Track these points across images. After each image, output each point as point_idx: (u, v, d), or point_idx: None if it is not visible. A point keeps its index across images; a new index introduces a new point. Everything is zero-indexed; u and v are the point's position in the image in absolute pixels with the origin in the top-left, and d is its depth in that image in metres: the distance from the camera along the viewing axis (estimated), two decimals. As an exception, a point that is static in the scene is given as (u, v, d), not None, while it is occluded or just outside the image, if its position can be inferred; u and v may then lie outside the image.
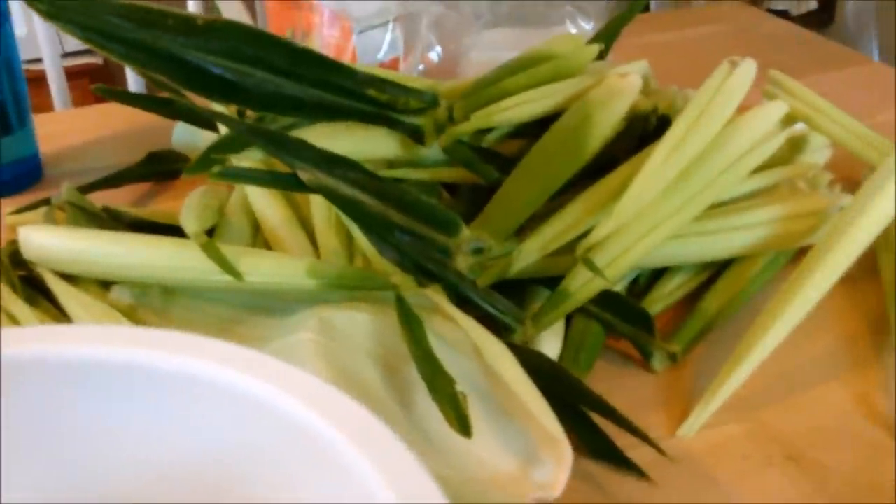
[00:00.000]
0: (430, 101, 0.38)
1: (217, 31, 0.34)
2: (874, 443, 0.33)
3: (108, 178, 0.51)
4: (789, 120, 0.43)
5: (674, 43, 0.74)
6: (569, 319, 0.37)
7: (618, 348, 0.38)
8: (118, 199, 0.50)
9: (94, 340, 0.25)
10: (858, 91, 0.61)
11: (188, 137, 0.54)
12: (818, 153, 0.46)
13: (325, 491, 0.21)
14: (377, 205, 0.32)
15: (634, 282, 0.40)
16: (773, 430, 0.33)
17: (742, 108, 0.42)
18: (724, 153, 0.39)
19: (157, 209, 0.50)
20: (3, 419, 0.24)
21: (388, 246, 0.33)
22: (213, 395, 0.23)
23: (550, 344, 0.35)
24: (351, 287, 0.32)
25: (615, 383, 0.36)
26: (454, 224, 0.33)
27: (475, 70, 0.57)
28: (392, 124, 0.38)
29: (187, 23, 0.33)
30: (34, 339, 0.25)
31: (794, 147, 0.45)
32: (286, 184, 0.33)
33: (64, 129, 0.61)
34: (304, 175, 0.32)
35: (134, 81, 0.94)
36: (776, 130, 0.42)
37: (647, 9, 1.17)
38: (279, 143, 0.33)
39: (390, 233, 0.32)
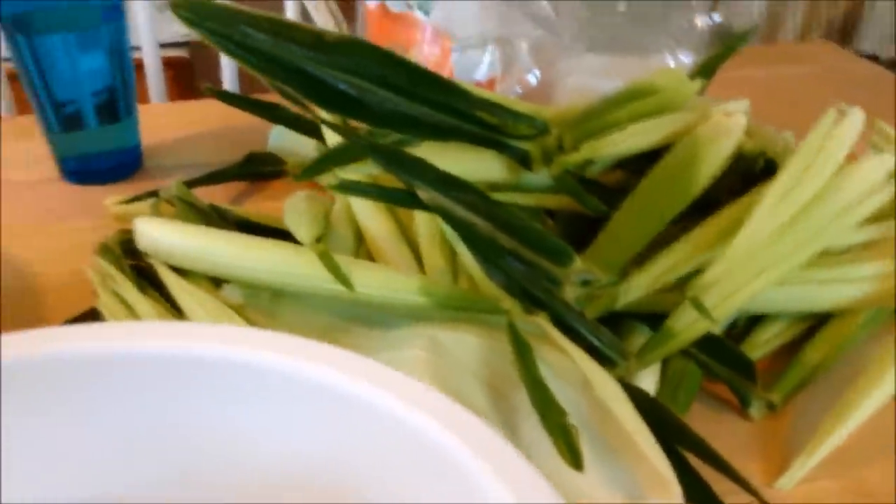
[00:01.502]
0: (540, 128, 0.39)
1: (344, 48, 0.35)
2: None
3: (211, 175, 0.52)
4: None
5: (762, 80, 0.74)
6: (665, 359, 0.37)
7: (712, 391, 0.37)
8: (215, 195, 0.51)
9: (220, 340, 0.26)
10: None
11: (285, 141, 0.56)
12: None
13: (443, 496, 0.21)
14: (489, 228, 0.33)
15: (732, 326, 0.40)
16: (870, 489, 0.33)
17: (848, 158, 0.42)
18: (832, 203, 0.39)
19: (255, 209, 0.51)
20: (125, 414, 0.24)
21: (497, 270, 0.33)
22: (334, 400, 0.24)
23: (647, 381, 0.35)
24: (461, 308, 0.33)
25: (710, 427, 0.35)
26: (566, 253, 0.33)
27: (570, 95, 0.58)
28: (501, 148, 0.39)
29: (318, 38, 0.34)
30: (158, 336, 0.25)
31: (902, 200, 0.44)
32: (403, 200, 0.34)
33: (162, 122, 0.63)
34: (422, 194, 0.32)
35: (229, 78, 0.96)
36: (884, 183, 0.42)
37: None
38: (398, 161, 0.34)
39: (501, 257, 0.33)
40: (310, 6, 0.64)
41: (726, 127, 0.43)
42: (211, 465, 0.26)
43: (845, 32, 1.17)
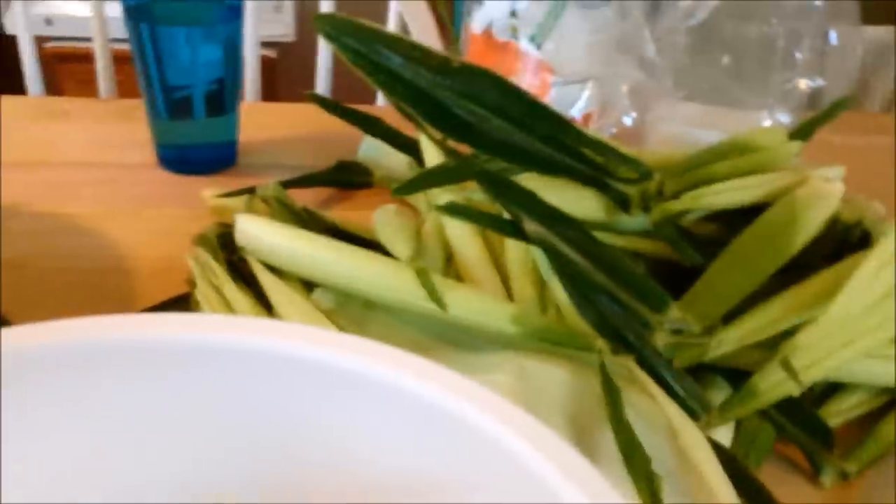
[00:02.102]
0: (643, 173, 0.39)
1: (466, 75, 0.36)
2: None
3: (304, 178, 0.54)
4: None
5: (847, 148, 0.73)
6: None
7: (783, 454, 0.37)
8: (304, 198, 0.53)
9: (320, 343, 0.26)
10: None
11: (375, 153, 0.57)
12: None
13: None
14: (589, 266, 0.33)
15: (808, 391, 0.40)
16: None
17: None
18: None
19: (346, 217, 0.52)
20: (208, 406, 0.25)
21: (590, 308, 0.34)
22: (432, 416, 0.25)
23: (722, 436, 0.35)
24: (552, 342, 0.33)
25: (779, 490, 0.35)
26: (662, 300, 0.33)
27: (664, 141, 0.58)
28: (602, 188, 0.39)
29: (444, 64, 0.35)
30: (258, 331, 0.26)
31: None
32: (507, 229, 0.35)
33: (259, 120, 0.65)
34: (528, 226, 0.33)
35: (322, 87, 0.99)
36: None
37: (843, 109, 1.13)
38: (506, 190, 0.34)
39: (596, 295, 0.33)
40: (410, 24, 0.66)
41: (825, 192, 0.43)
42: (299, 465, 0.27)
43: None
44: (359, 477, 0.26)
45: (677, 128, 0.58)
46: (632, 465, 0.28)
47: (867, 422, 0.39)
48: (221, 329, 0.26)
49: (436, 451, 0.25)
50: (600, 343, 0.32)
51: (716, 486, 0.28)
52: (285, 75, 1.39)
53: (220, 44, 0.53)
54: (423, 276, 0.34)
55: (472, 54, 0.63)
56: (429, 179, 0.40)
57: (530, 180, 0.40)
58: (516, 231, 0.34)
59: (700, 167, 0.43)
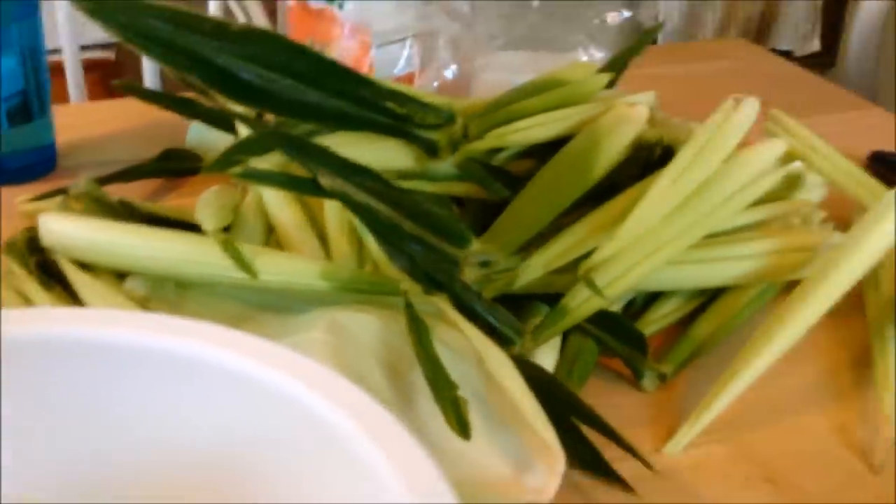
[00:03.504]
0: (446, 118, 0.40)
1: (249, 38, 0.35)
2: (850, 469, 0.34)
3: (124, 171, 0.52)
4: (787, 158, 0.45)
5: (680, 76, 0.76)
6: (565, 336, 0.38)
7: (611, 367, 0.39)
8: (131, 193, 0.51)
9: (111, 324, 0.26)
10: (856, 133, 0.63)
11: (203, 137, 0.56)
12: (813, 191, 0.47)
13: (339, 481, 0.22)
14: (391, 213, 0.34)
15: (630, 304, 0.42)
16: (754, 453, 0.35)
17: (744, 144, 0.44)
18: (723, 186, 0.41)
19: (170, 205, 0.51)
20: (9, 398, 0.25)
21: (399, 254, 0.34)
22: (230, 382, 0.25)
23: (546, 358, 0.37)
24: (362, 291, 0.34)
25: (606, 400, 0.37)
26: (464, 236, 0.34)
27: (487, 89, 0.59)
28: (408, 137, 0.40)
29: (221, 28, 0.35)
30: (45, 320, 0.26)
31: (791, 184, 0.46)
32: (306, 188, 0.35)
33: (80, 121, 0.62)
34: (324, 181, 0.33)
35: (150, 78, 0.96)
36: (774, 167, 0.44)
37: (655, 41, 1.19)
38: (301, 149, 0.34)
39: (402, 241, 0.34)
40: (233, 4, 0.64)
41: (627, 116, 0.44)
42: (110, 448, 0.26)
43: (762, 30, 1.21)
44: (178, 459, 0.26)
45: (499, 76, 0.59)
46: (438, 392, 0.29)
47: (686, 325, 0.41)
48: (22, 322, 0.25)
49: (250, 420, 0.25)
50: (406, 285, 0.33)
51: (520, 403, 0.29)
52: (130, 75, 1.34)
53: (16, 54, 0.51)
54: (226, 245, 0.34)
55: (292, 25, 0.62)
56: (235, 152, 0.39)
57: (338, 139, 0.41)
58: (316, 188, 0.34)
59: (506, 106, 0.44)
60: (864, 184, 0.44)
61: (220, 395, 0.25)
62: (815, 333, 0.41)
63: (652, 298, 0.42)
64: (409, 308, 0.31)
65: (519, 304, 0.39)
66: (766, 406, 0.37)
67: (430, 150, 0.41)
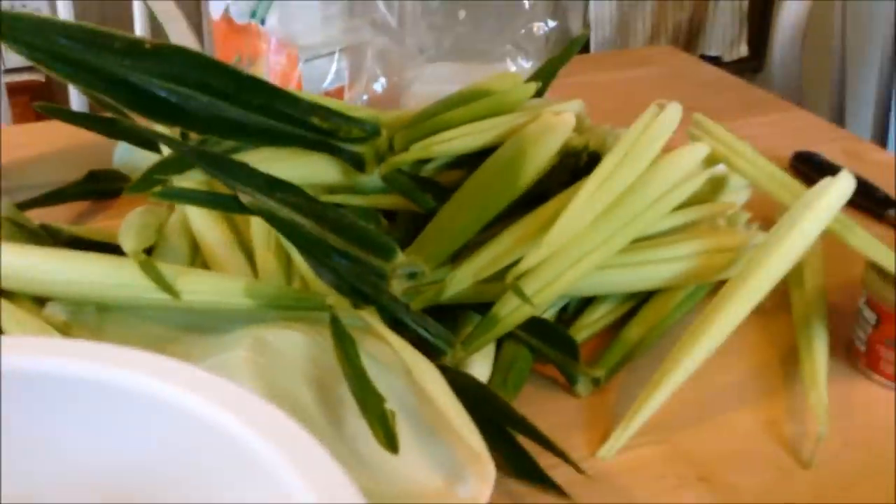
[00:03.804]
0: (371, 131, 0.40)
1: (163, 56, 0.35)
2: (781, 466, 0.35)
3: (48, 195, 0.51)
4: (711, 161, 0.46)
5: (609, 83, 0.77)
6: (500, 343, 0.38)
7: (546, 373, 0.39)
8: (58, 216, 0.50)
9: (25, 351, 0.25)
10: (781, 135, 0.64)
11: (130, 158, 0.55)
12: (738, 193, 0.48)
13: (252, 497, 0.21)
14: (316, 228, 0.33)
15: (564, 309, 0.42)
16: (687, 453, 0.35)
17: (669, 149, 0.45)
18: (648, 190, 0.41)
19: (95, 227, 0.50)
20: None
21: (325, 269, 0.34)
22: (144, 405, 0.24)
23: (480, 367, 0.37)
24: (287, 307, 0.33)
25: (541, 406, 0.37)
26: (390, 249, 0.34)
27: (417, 101, 0.59)
28: (334, 151, 0.40)
29: (134, 46, 0.34)
30: None
31: (716, 187, 0.47)
32: (227, 206, 0.34)
33: (6, 144, 0.61)
34: (245, 198, 0.33)
35: (77, 100, 0.94)
36: (698, 170, 0.45)
37: (587, 49, 1.21)
38: (221, 166, 0.34)
39: (328, 256, 0.33)
40: (168, 28, 0.63)
41: (553, 125, 0.45)
42: (26, 474, 0.25)
43: (691, 37, 1.24)
44: (96, 481, 0.25)
45: (429, 88, 0.59)
46: (365, 406, 0.28)
47: (617, 329, 0.41)
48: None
49: (162, 443, 0.24)
50: (333, 300, 0.33)
51: (448, 413, 0.29)
52: (60, 97, 1.31)
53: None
54: (146, 266, 0.33)
55: (218, 41, 0.62)
56: (156, 171, 0.38)
57: (262, 155, 0.40)
58: (237, 205, 0.33)
59: (432, 118, 0.44)
60: (785, 185, 0.44)
61: (134, 419, 0.24)
62: (745, 332, 0.42)
63: (585, 303, 0.42)
64: (335, 323, 0.31)
65: (452, 313, 0.38)
66: (697, 406, 0.38)
67: (357, 163, 0.40)
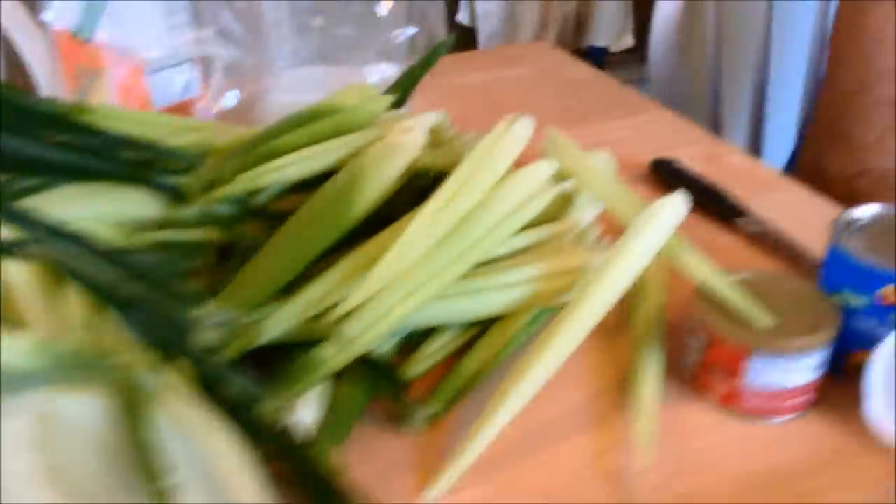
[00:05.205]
0: (190, 162, 0.38)
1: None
2: (607, 501, 0.34)
3: None
4: (561, 176, 0.45)
5: (482, 84, 0.76)
6: (336, 378, 0.37)
7: (383, 408, 0.38)
8: None
9: None
10: (644, 138, 0.65)
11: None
12: (591, 207, 0.48)
13: None
14: (113, 278, 0.31)
15: (407, 339, 0.41)
16: (515, 491, 0.35)
17: (524, 160, 0.43)
18: (491, 212, 0.40)
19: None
20: None
21: (129, 321, 0.31)
22: None
23: (308, 409, 0.35)
24: (78, 367, 0.31)
25: (373, 445, 0.36)
26: (195, 297, 0.32)
27: (275, 112, 0.57)
28: (150, 185, 0.37)
29: None
30: None
31: (567, 202, 0.47)
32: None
33: None
34: (35, 248, 0.30)
35: None
36: (545, 188, 0.44)
37: (474, 44, 1.19)
38: (9, 212, 0.31)
39: (128, 308, 0.31)
40: (16, 36, 0.59)
41: (397, 146, 0.43)
42: None
43: (578, 28, 1.24)
44: None
45: (288, 97, 0.57)
46: (146, 481, 0.26)
47: (459, 358, 0.40)
48: None
49: None
50: (135, 356, 0.30)
51: (234, 483, 0.27)
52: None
53: None
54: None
55: (62, 53, 0.58)
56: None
57: (71, 193, 0.37)
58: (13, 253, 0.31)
59: (268, 142, 0.42)
60: (630, 203, 0.43)
61: None
62: (585, 355, 0.41)
63: (430, 332, 0.41)
64: (126, 385, 0.29)
65: (287, 350, 0.37)
66: (528, 440, 0.37)
67: (178, 196, 0.38)
